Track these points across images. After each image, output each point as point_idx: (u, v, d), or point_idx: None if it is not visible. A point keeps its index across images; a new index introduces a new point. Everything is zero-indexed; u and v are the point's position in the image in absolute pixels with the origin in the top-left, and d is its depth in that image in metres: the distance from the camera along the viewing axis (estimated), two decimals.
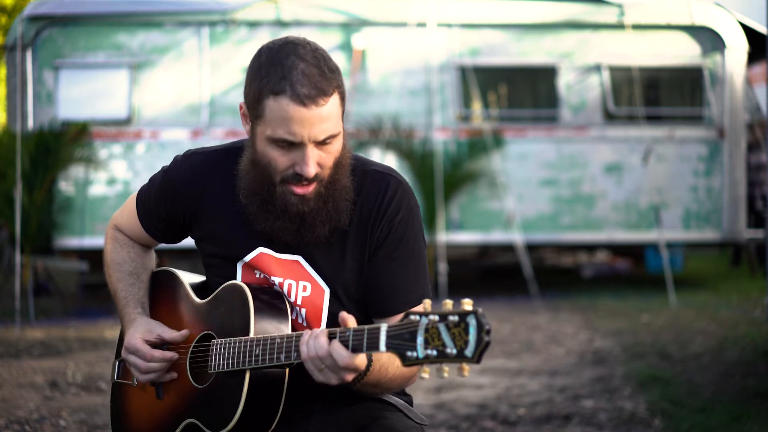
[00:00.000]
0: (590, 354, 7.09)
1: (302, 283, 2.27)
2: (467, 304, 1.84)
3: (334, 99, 2.14)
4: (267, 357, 2.12)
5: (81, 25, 10.39)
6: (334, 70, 2.14)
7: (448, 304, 1.86)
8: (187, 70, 10.44)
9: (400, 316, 1.92)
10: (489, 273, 12.73)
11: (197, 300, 2.38)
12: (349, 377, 2.04)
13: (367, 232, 2.26)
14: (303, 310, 2.28)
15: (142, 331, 2.34)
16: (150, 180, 2.45)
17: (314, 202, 2.18)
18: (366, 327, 1.97)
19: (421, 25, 10.34)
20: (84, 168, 10.26)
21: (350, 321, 2.01)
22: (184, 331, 2.34)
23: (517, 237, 10.36)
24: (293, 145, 2.13)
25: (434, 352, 1.84)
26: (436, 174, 10.07)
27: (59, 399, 5.71)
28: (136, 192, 2.48)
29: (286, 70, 2.10)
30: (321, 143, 2.14)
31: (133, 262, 2.48)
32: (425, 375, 1.88)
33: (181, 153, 2.42)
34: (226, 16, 10.38)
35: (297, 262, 2.28)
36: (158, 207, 2.41)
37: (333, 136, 2.15)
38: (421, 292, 2.27)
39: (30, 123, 10.18)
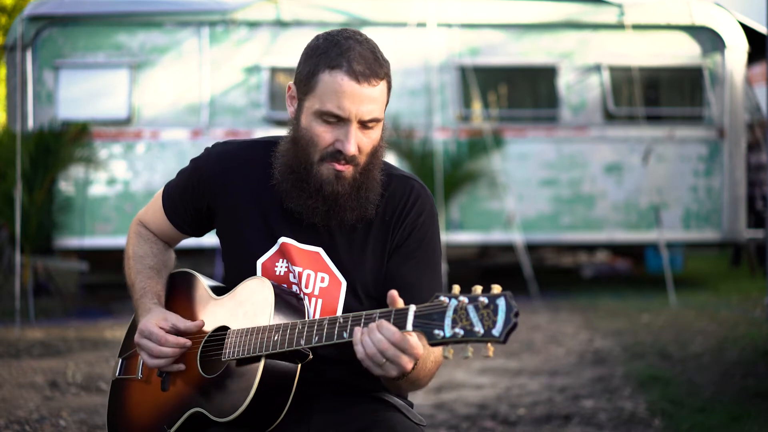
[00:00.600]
0: (590, 354, 7.09)
1: (321, 274, 2.33)
2: (496, 288, 1.89)
3: (383, 85, 2.25)
4: (286, 342, 2.14)
5: (81, 25, 10.39)
6: (386, 61, 2.27)
7: (478, 288, 1.90)
8: (187, 70, 10.43)
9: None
10: (489, 273, 12.71)
11: (215, 297, 2.40)
12: (409, 364, 2.01)
13: (389, 231, 2.33)
14: (320, 301, 2.32)
15: (157, 318, 2.35)
16: (178, 173, 2.50)
17: (349, 185, 2.26)
18: (394, 308, 2.00)
19: (421, 25, 10.33)
20: (84, 168, 10.26)
21: (397, 299, 2.03)
22: (199, 321, 2.35)
23: (517, 237, 10.36)
24: (339, 122, 2.22)
25: (461, 331, 1.88)
26: (436, 174, 10.07)
27: (59, 399, 5.71)
28: (162, 188, 2.52)
29: (344, 49, 2.21)
30: (364, 126, 2.23)
31: (155, 257, 2.52)
32: (449, 355, 1.91)
33: (211, 144, 2.49)
34: (226, 16, 10.37)
35: (317, 253, 2.33)
36: (185, 197, 2.45)
37: (376, 120, 2.24)
38: (435, 293, 2.29)
39: (30, 123, 10.18)
